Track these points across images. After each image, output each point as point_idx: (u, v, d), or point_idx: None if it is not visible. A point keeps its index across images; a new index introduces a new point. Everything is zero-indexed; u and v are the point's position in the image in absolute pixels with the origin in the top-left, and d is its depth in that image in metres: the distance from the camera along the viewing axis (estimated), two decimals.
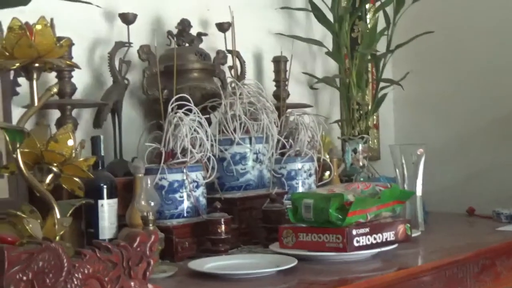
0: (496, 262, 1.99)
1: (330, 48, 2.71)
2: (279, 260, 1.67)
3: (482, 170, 2.82)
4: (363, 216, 1.77)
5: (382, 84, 2.74)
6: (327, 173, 2.35)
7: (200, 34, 2.26)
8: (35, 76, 1.35)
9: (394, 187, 1.92)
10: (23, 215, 1.31)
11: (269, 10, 2.67)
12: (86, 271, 1.15)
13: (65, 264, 1.12)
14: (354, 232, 1.72)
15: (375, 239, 1.76)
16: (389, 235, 1.80)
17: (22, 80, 1.76)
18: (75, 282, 1.13)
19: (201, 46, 2.26)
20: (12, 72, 1.76)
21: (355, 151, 2.55)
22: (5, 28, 1.34)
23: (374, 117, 2.98)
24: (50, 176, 1.40)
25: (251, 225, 2.01)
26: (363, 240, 1.74)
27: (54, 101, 1.86)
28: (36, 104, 1.34)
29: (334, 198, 1.75)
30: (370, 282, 1.59)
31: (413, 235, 1.89)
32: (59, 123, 1.89)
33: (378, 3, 2.76)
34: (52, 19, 1.36)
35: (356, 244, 1.72)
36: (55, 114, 1.95)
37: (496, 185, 2.74)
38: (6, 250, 1.07)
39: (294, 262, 1.64)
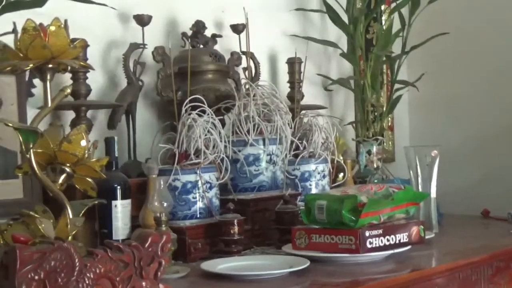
0: (511, 264, 1.97)
1: (345, 50, 2.70)
2: (291, 261, 1.67)
3: (497, 172, 2.80)
4: (376, 218, 1.76)
5: (396, 86, 2.73)
6: (341, 174, 2.35)
7: (214, 36, 2.27)
8: (48, 77, 1.35)
9: (407, 189, 1.91)
10: (36, 215, 1.32)
11: (284, 11, 2.67)
12: (97, 271, 1.15)
13: (77, 264, 1.12)
14: (367, 233, 1.71)
15: (388, 240, 1.76)
16: (402, 237, 1.79)
17: (37, 81, 1.78)
18: (87, 282, 1.13)
19: (216, 47, 2.26)
20: (27, 74, 1.77)
21: (369, 152, 2.54)
22: (19, 29, 1.35)
23: (389, 118, 2.97)
24: (63, 176, 1.41)
25: (264, 226, 2.01)
26: (376, 242, 1.73)
27: (69, 102, 1.88)
28: (49, 105, 1.35)
29: (347, 199, 1.75)
30: (383, 284, 1.58)
31: (426, 237, 1.89)
32: (74, 124, 1.89)
33: (393, 5, 2.75)
34: (66, 20, 1.37)
35: (369, 246, 1.71)
36: (70, 115, 1.96)
37: (511, 187, 2.72)
38: (19, 249, 1.07)
39: (306, 264, 1.64)
